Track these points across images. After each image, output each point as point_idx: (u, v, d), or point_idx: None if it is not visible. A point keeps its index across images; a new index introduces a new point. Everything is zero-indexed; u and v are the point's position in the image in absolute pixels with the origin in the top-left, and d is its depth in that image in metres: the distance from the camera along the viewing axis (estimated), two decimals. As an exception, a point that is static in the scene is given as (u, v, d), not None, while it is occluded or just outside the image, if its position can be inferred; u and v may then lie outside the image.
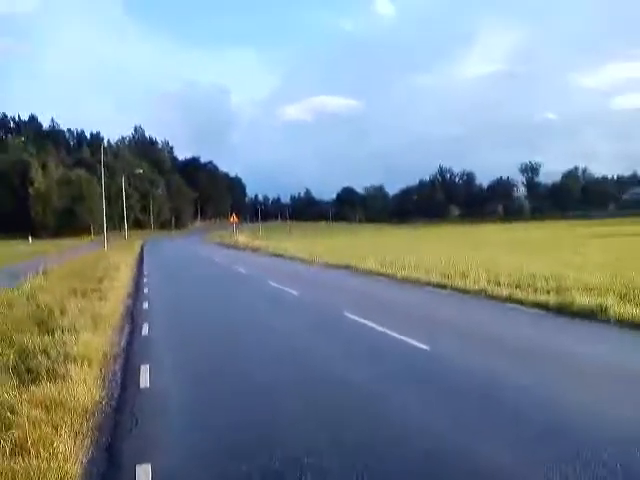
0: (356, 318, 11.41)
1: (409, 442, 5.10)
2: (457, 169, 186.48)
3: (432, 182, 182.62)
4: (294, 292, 16.38)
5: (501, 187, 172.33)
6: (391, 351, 8.77)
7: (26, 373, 7.30)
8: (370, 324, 10.70)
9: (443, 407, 6.06)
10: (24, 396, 6.02)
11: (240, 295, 17.03)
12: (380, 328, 10.27)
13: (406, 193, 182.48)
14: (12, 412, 5.50)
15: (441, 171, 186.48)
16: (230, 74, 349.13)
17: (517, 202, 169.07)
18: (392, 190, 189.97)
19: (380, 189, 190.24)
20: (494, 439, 5.07)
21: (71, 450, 4.91)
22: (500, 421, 5.55)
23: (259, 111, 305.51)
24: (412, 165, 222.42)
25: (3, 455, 4.49)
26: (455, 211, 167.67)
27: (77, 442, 5.17)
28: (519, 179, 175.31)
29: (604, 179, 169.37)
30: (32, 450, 4.61)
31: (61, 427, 5.36)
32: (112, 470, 4.81)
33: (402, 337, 9.39)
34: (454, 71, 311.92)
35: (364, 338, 9.85)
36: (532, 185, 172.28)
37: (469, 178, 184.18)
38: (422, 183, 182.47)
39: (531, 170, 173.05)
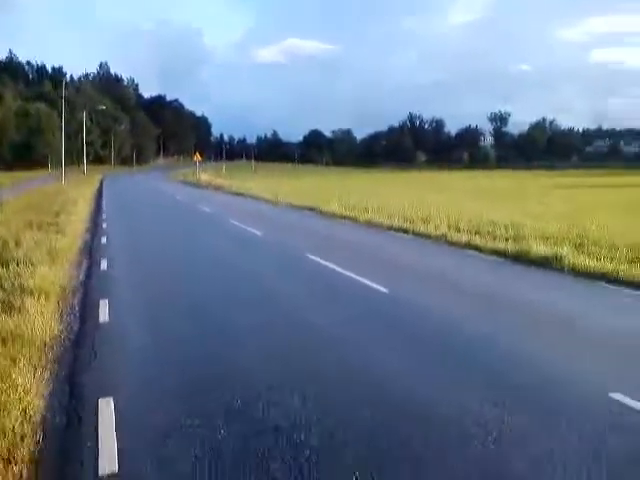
0: (318, 260, 11.47)
1: (363, 381, 5.25)
2: (427, 116, 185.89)
3: (401, 128, 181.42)
4: (257, 232, 16.32)
5: (469, 135, 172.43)
6: (350, 293, 8.90)
7: (-20, 306, 7.15)
8: (331, 266, 10.78)
9: (398, 349, 6.21)
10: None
11: (202, 234, 16.87)
12: (341, 270, 10.37)
13: (374, 138, 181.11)
14: (-32, 344, 5.39)
15: (411, 117, 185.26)
16: (204, 14, 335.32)
17: (483, 150, 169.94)
18: (361, 135, 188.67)
19: (348, 133, 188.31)
20: (445, 382, 5.26)
21: (31, 383, 4.87)
22: (453, 365, 5.71)
23: (232, 52, 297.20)
24: (383, 111, 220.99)
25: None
26: (422, 157, 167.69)
27: (36, 375, 5.12)
28: (487, 128, 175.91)
29: (570, 131, 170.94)
30: (-10, 382, 4.55)
31: (19, 360, 5.31)
32: (74, 403, 4.79)
33: (362, 279, 9.50)
34: (435, 18, 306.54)
35: (325, 280, 9.95)
36: (499, 134, 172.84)
37: (438, 125, 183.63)
38: (391, 129, 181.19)
39: (500, 120, 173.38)
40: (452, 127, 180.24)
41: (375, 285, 9.07)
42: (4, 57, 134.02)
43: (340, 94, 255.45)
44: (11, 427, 4.04)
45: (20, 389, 4.65)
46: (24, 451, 3.84)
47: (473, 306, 8.13)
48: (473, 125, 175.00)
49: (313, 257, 11.77)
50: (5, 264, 9.61)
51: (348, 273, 10.05)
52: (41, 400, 4.70)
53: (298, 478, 3.55)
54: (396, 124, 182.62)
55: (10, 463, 3.66)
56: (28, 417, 4.30)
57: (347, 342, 6.46)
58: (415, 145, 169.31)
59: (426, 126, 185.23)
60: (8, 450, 3.79)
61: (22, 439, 3.97)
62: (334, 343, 6.44)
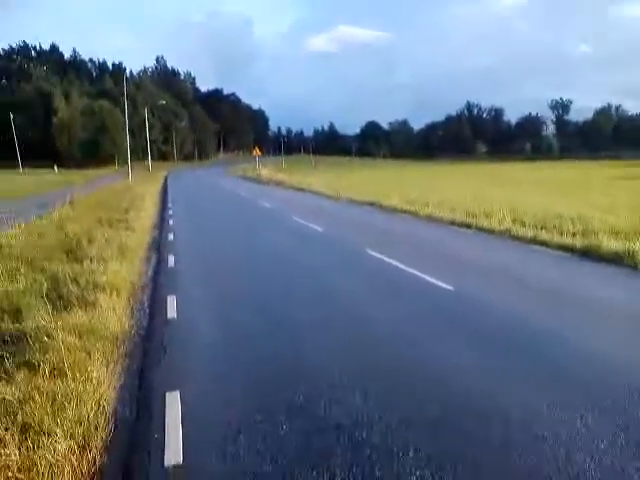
0: (379, 255, 11.44)
1: (425, 377, 5.22)
2: (485, 104, 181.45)
3: (459, 117, 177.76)
4: (318, 228, 16.42)
5: (530, 124, 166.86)
6: (413, 289, 8.82)
7: (58, 300, 7.53)
8: (393, 262, 10.72)
9: (466, 347, 6.12)
10: (58, 322, 6.22)
11: (264, 229, 17.10)
12: (403, 266, 10.30)
13: (431, 128, 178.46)
14: (48, 337, 5.72)
15: (469, 106, 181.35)
16: (253, 3, 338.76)
17: (545, 140, 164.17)
18: (417, 125, 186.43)
19: (404, 124, 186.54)
20: (516, 381, 5.16)
21: (104, 375, 5.12)
22: (523, 363, 5.60)
23: (283, 42, 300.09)
24: (440, 99, 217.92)
25: (43, 376, 4.70)
26: (482, 148, 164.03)
27: (109, 368, 5.38)
28: (549, 116, 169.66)
29: (638, 117, 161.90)
30: (69, 373, 4.81)
31: (93, 353, 5.57)
32: (143, 396, 5.01)
33: (424, 276, 9.42)
34: (488, 1, 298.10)
35: (386, 276, 9.90)
36: (562, 123, 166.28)
37: (497, 114, 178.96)
38: (449, 118, 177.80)
39: (561, 107, 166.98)
40: (512, 115, 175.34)
41: (437, 281, 8.97)
42: (69, 56, 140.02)
43: (396, 83, 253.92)
44: (87, 417, 4.28)
45: (95, 381, 4.90)
46: (98, 439, 4.08)
47: (539, 303, 7.90)
48: (534, 113, 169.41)
49: (374, 253, 11.74)
50: (79, 261, 10.08)
51: (410, 269, 9.97)
52: (113, 392, 4.94)
53: (359, 475, 3.59)
54: (453, 113, 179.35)
55: (85, 450, 3.89)
56: (102, 408, 4.53)
57: (409, 338, 6.44)
58: (474, 135, 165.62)
59: (484, 115, 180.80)
60: (84, 438, 4.02)
61: (96, 428, 4.21)
62: (396, 339, 6.42)
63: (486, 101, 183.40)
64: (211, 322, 7.36)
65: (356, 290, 8.98)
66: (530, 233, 13.62)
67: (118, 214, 18.79)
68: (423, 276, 9.43)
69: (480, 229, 15.34)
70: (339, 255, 12.35)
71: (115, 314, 7.03)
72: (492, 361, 5.65)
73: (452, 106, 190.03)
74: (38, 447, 3.70)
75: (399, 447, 3.94)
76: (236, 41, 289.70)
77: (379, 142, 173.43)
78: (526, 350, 5.93)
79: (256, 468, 3.73)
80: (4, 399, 4.25)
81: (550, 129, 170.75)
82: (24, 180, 51.03)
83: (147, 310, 7.86)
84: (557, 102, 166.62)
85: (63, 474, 3.53)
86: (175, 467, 3.80)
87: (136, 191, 31.07)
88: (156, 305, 8.11)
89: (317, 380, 5.19)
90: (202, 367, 5.75)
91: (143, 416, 4.61)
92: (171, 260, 11.67)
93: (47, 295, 7.63)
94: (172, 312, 7.67)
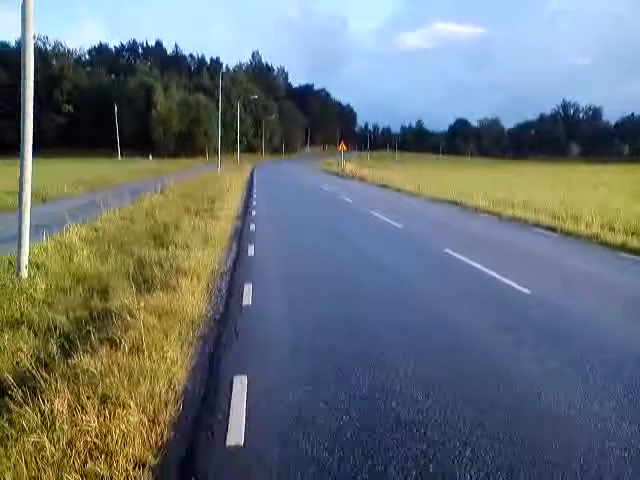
0: (457, 256, 11.25)
1: (503, 385, 5.13)
2: (584, 104, 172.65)
3: (553, 117, 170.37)
4: (398, 225, 16.35)
5: (631, 125, 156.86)
6: (492, 294, 8.54)
7: (143, 282, 7.99)
8: (472, 263, 10.51)
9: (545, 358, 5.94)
10: (141, 303, 6.61)
11: (343, 224, 17.19)
12: (482, 268, 10.07)
13: (523, 127, 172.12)
14: (131, 316, 6.09)
15: (564, 105, 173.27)
16: (348, 1, 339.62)
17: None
18: (509, 124, 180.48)
19: (495, 122, 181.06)
20: (593, 388, 4.97)
21: (177, 356, 5.41)
22: (604, 372, 5.38)
23: (376, 39, 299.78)
24: (534, 98, 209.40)
25: (123, 353, 5.03)
26: (576, 149, 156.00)
27: (183, 349, 5.68)
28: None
29: None
30: (146, 352, 5.12)
31: (170, 334, 5.89)
32: (212, 378, 5.24)
33: (505, 280, 9.14)
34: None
35: (463, 277, 9.73)
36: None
37: (595, 114, 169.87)
38: (542, 117, 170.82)
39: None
40: (611, 115, 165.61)
41: (518, 287, 8.71)
42: (171, 51, 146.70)
43: (488, 81, 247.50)
44: (158, 393, 4.55)
45: (169, 360, 5.19)
46: (166, 415, 4.33)
47: (625, 313, 7.53)
48: (637, 113, 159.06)
49: (452, 253, 11.56)
50: (165, 246, 10.63)
51: (491, 272, 9.69)
52: (185, 372, 5.21)
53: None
54: (548, 112, 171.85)
55: (154, 424, 4.14)
56: (173, 386, 4.80)
57: (502, 351, 6.33)
58: (568, 135, 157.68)
59: (581, 115, 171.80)
60: (154, 412, 4.28)
61: (166, 404, 4.46)
62: (468, 336, 6.34)
63: (584, 100, 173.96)
64: (284, 312, 7.53)
65: (432, 292, 8.88)
66: (620, 239, 12.90)
67: (205, 203, 19.55)
68: (503, 280, 9.17)
69: (566, 233, 14.70)
70: (416, 253, 12.25)
71: (194, 298, 7.37)
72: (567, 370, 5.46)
73: (547, 105, 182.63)
74: (114, 417, 3.99)
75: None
76: (330, 37, 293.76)
77: (468, 140, 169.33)
78: (604, 359, 5.67)
79: (311, 455, 3.83)
80: (88, 370, 4.59)
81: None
82: (121, 167, 53.96)
83: (224, 296, 8.17)
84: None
85: (134, 444, 3.78)
86: (236, 447, 3.97)
87: (223, 182, 32.07)
88: (233, 292, 8.41)
89: (384, 377, 5.20)
90: (271, 354, 5.92)
91: (210, 397, 4.82)
92: (251, 250, 12.02)
93: (133, 277, 8.11)
94: (247, 300, 7.92)
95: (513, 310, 7.56)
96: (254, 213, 19.78)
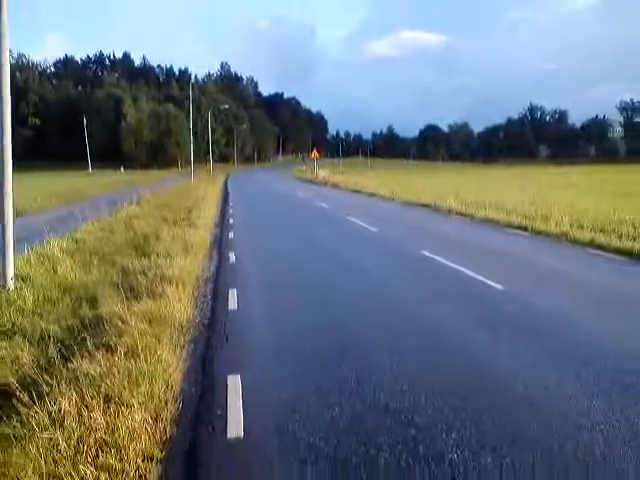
0: (433, 256, 11.60)
1: (490, 384, 5.44)
2: (549, 107, 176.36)
3: (521, 120, 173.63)
4: (373, 229, 16.69)
5: (596, 127, 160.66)
6: (468, 292, 8.84)
7: (129, 290, 8.12)
8: (448, 263, 10.86)
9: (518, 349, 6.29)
10: (130, 310, 6.77)
11: (319, 229, 17.47)
12: (458, 267, 10.42)
13: (492, 131, 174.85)
14: (122, 322, 6.26)
15: (531, 109, 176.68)
16: (315, 9, 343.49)
17: (612, 143, 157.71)
18: (478, 128, 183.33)
19: (465, 126, 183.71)
20: (559, 381, 5.31)
21: (172, 358, 5.60)
22: (570, 363, 5.73)
23: (345, 47, 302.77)
24: (501, 102, 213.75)
25: (119, 356, 5.20)
26: (544, 151, 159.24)
27: (176, 352, 5.87)
28: (617, 119, 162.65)
29: None
30: (141, 355, 5.30)
31: (162, 338, 6.07)
32: (207, 378, 5.45)
33: (479, 277, 9.49)
34: (552, 5, 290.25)
35: (439, 275, 10.09)
36: (631, 125, 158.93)
37: (561, 116, 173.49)
38: (510, 121, 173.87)
39: (631, 109, 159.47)
40: (576, 118, 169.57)
41: (489, 282, 9.10)
42: (139, 63, 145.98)
43: (456, 86, 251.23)
44: (157, 393, 4.74)
45: (164, 363, 5.37)
46: (167, 413, 4.53)
47: (594, 307, 7.96)
48: (600, 116, 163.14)
49: (428, 254, 11.89)
50: (147, 255, 10.75)
51: (467, 271, 10.02)
52: (180, 374, 5.41)
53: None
54: (515, 116, 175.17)
55: (157, 421, 4.34)
56: (170, 386, 5.00)
57: (481, 348, 6.66)
58: (536, 138, 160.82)
59: (548, 118, 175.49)
60: (155, 411, 4.48)
61: (166, 404, 4.66)
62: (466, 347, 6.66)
63: (550, 104, 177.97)
64: (269, 314, 7.80)
65: (407, 292, 9.21)
66: (588, 236, 13.44)
67: (182, 213, 19.64)
68: (479, 277, 9.53)
69: (536, 232, 15.23)
70: (391, 255, 12.60)
71: (181, 304, 7.54)
72: (538, 360, 5.80)
73: (514, 109, 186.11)
74: (119, 415, 4.17)
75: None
76: (299, 46, 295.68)
77: (438, 145, 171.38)
78: (572, 351, 6.04)
79: (308, 443, 4.08)
80: (89, 373, 4.76)
81: (618, 132, 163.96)
82: (93, 180, 53.50)
83: (210, 302, 8.37)
84: (627, 103, 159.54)
85: (141, 439, 3.97)
86: (236, 439, 4.20)
87: (198, 192, 32.14)
88: (218, 297, 8.62)
89: (369, 373, 5.49)
90: (261, 355, 6.16)
91: (207, 395, 5.03)
92: (232, 257, 12.22)
93: (119, 286, 8.25)
94: (233, 304, 8.15)
95: (488, 306, 7.91)
96: (231, 221, 19.95)
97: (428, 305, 8.10)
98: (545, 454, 3.86)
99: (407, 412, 4.52)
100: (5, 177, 8.54)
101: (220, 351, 6.22)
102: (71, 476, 3.38)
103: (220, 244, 14.43)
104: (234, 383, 5.22)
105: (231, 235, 16.02)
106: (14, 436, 3.73)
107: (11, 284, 8.29)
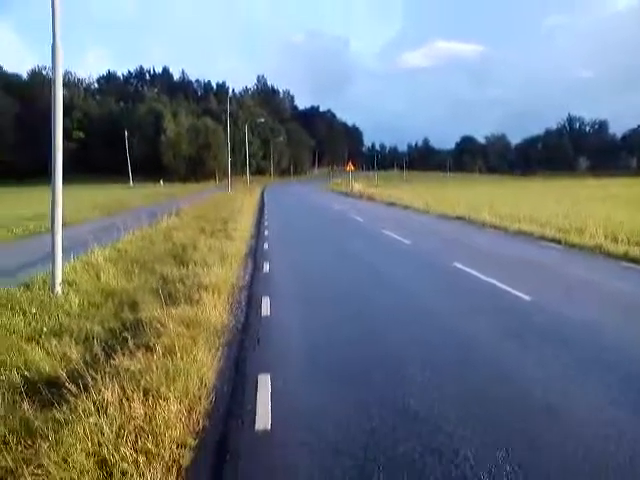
0: (465, 269, 11.72)
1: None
2: (588, 117, 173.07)
3: (559, 131, 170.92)
4: (406, 241, 16.87)
5: (638, 137, 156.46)
6: (499, 304, 8.93)
7: (167, 296, 8.54)
8: (480, 276, 10.94)
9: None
10: (169, 314, 7.18)
11: (353, 241, 17.72)
12: (490, 280, 10.49)
13: (530, 143, 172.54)
14: (161, 324, 6.67)
15: (570, 119, 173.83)
16: (349, 22, 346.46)
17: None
18: (515, 139, 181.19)
19: (502, 138, 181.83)
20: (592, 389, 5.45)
21: (206, 359, 5.95)
22: (599, 374, 5.87)
23: (379, 59, 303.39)
24: (537, 113, 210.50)
25: (158, 355, 5.58)
26: (584, 163, 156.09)
27: (211, 353, 6.22)
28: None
29: None
30: (178, 354, 5.66)
31: (198, 340, 6.43)
32: (238, 377, 5.80)
33: (511, 290, 9.55)
34: (593, 7, 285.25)
35: (469, 287, 10.23)
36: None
37: (601, 127, 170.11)
38: (548, 132, 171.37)
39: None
40: (617, 129, 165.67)
41: (520, 294, 9.22)
42: (178, 77, 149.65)
43: (493, 97, 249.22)
44: (192, 390, 5.09)
45: (199, 363, 5.72)
46: (201, 407, 4.88)
47: (626, 319, 7.98)
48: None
49: (460, 266, 11.98)
50: (186, 265, 11.22)
51: (499, 284, 10.11)
52: (214, 372, 5.77)
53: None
54: (553, 127, 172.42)
55: (191, 414, 4.69)
56: (204, 384, 5.35)
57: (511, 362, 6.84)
58: (575, 150, 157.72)
59: (587, 128, 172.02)
60: (190, 405, 4.83)
61: (199, 399, 5.02)
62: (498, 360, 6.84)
63: (589, 113, 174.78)
64: (301, 321, 8.10)
65: (437, 302, 9.40)
66: (622, 249, 13.36)
67: (218, 224, 20.20)
68: (509, 289, 9.66)
69: (570, 245, 15.17)
70: (424, 266, 12.76)
71: (216, 310, 7.92)
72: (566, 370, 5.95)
73: (551, 119, 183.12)
74: (156, 407, 4.53)
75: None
76: (333, 59, 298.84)
77: (475, 157, 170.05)
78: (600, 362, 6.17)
79: (331, 440, 4.35)
80: (129, 369, 5.15)
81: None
82: (134, 192, 55.07)
83: (244, 308, 8.75)
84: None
85: (176, 429, 4.31)
86: (264, 432, 4.51)
87: (235, 204, 32.82)
88: (252, 304, 8.99)
89: (399, 378, 5.75)
90: (291, 357, 6.47)
91: (238, 392, 5.37)
92: (266, 267, 12.60)
93: (158, 292, 8.68)
94: (266, 310, 8.51)
95: (517, 317, 8.01)
96: (267, 233, 20.39)
97: (460, 317, 8.14)
98: (567, 461, 4.00)
99: (437, 418, 4.68)
100: (56, 188, 9.13)
101: (252, 353, 6.56)
102: (113, 456, 3.74)
103: (255, 254, 14.84)
104: (264, 382, 5.54)
105: (266, 246, 16.43)
106: (64, 420, 4.12)
107: (59, 289, 8.84)
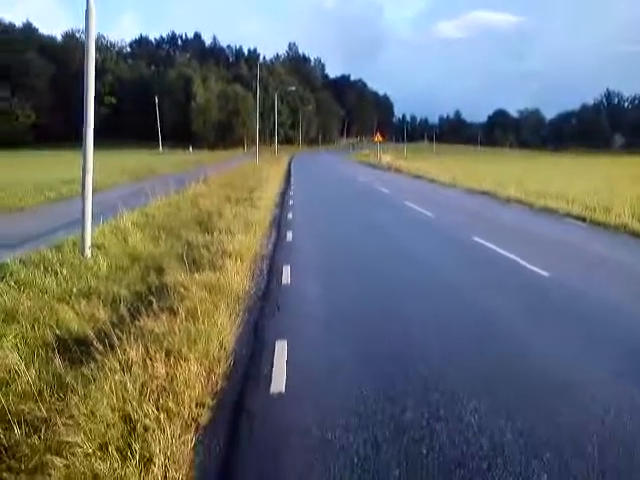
0: (485, 243, 11.77)
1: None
2: (628, 93, 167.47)
3: (596, 107, 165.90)
4: (429, 214, 16.91)
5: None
6: (517, 278, 9.05)
7: (192, 262, 8.81)
8: (499, 250, 11.02)
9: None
10: (192, 279, 7.45)
11: (376, 213, 17.80)
12: (508, 254, 10.56)
13: (564, 118, 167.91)
14: (185, 289, 6.94)
15: (608, 95, 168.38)
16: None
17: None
18: (550, 114, 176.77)
19: (536, 112, 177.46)
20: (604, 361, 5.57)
21: (227, 323, 6.20)
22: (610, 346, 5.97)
23: (412, 28, 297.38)
24: (576, 88, 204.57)
25: (181, 318, 5.84)
26: (619, 140, 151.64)
27: (231, 318, 6.47)
28: None
29: None
30: (200, 318, 5.91)
31: (219, 306, 6.67)
32: (257, 342, 6.04)
33: (529, 265, 9.65)
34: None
35: (488, 261, 10.29)
36: None
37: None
38: (585, 107, 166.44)
39: None
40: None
41: (538, 270, 9.28)
42: (209, 43, 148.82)
43: (528, 70, 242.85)
44: (212, 352, 5.34)
45: (219, 327, 5.96)
46: (219, 369, 5.13)
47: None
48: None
49: (479, 240, 12.08)
50: (210, 232, 11.49)
51: (518, 259, 10.18)
52: (233, 337, 6.02)
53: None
54: (590, 102, 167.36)
55: (210, 375, 4.95)
56: (224, 347, 5.60)
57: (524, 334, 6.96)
58: (612, 126, 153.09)
59: (626, 104, 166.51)
60: (209, 367, 5.08)
61: (219, 361, 5.27)
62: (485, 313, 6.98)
63: (630, 90, 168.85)
64: (320, 289, 8.30)
65: (461, 278, 9.50)
66: (648, 227, 13.26)
67: (244, 193, 20.43)
68: (528, 266, 9.70)
69: (595, 223, 15.05)
70: (445, 241, 12.82)
71: (238, 276, 8.16)
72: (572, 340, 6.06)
73: (589, 94, 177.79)
74: (177, 367, 4.78)
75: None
76: (365, 27, 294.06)
77: (507, 131, 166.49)
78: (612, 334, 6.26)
79: (343, 405, 4.56)
80: (153, 331, 5.42)
81: None
82: (164, 159, 55.65)
83: (265, 276, 8.99)
84: None
85: (195, 389, 4.57)
86: (278, 394, 4.75)
87: (262, 172, 32.97)
88: (273, 272, 9.22)
89: (415, 359, 5.93)
90: (308, 324, 6.69)
91: (255, 357, 5.61)
92: (289, 236, 12.82)
93: (183, 258, 8.95)
94: (286, 279, 8.73)
95: (536, 293, 8.12)
96: (291, 202, 20.57)
97: (478, 291, 8.27)
98: (576, 433, 4.12)
99: (454, 388, 4.83)
100: (87, 155, 9.40)
101: (271, 319, 6.79)
102: (137, 412, 3.99)
103: (279, 223, 15.05)
104: (281, 347, 5.77)
105: (290, 215, 16.63)
106: (92, 377, 4.40)
107: (88, 252, 9.17)
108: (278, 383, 4.93)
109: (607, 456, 3.79)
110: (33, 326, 5.74)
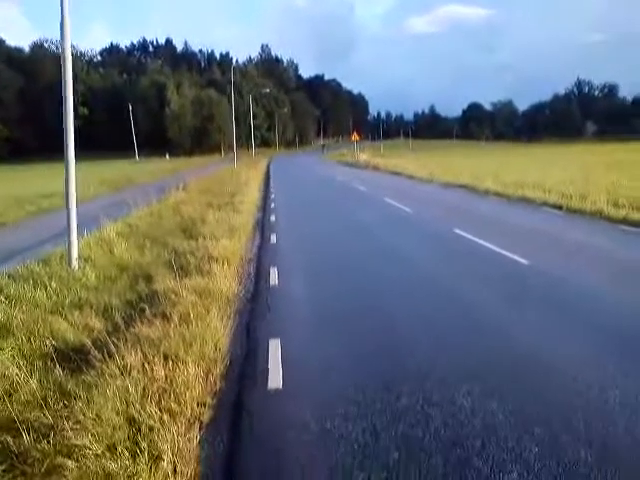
0: (465, 235, 12.06)
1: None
2: (598, 82, 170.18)
3: (567, 96, 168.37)
4: (408, 209, 17.18)
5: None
6: (497, 268, 9.33)
7: (179, 268, 8.92)
8: (479, 241, 11.31)
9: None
10: (182, 285, 7.56)
11: (356, 210, 18.08)
12: (488, 245, 10.86)
13: (537, 109, 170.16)
14: (176, 295, 7.06)
15: (579, 84, 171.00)
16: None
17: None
18: (522, 106, 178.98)
19: (509, 104, 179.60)
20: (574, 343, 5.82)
21: (220, 326, 6.33)
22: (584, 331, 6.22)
23: (383, 25, 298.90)
24: (547, 78, 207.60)
25: (174, 323, 5.96)
26: (591, 128, 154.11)
27: (223, 321, 6.60)
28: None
29: None
30: (193, 322, 6.04)
31: (211, 309, 6.80)
32: (251, 342, 6.18)
33: (508, 254, 9.95)
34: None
35: (468, 252, 10.55)
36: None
37: (611, 91, 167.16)
38: (556, 97, 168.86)
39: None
40: (629, 92, 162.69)
41: (517, 257, 9.58)
42: (181, 48, 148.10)
43: (500, 63, 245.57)
44: (208, 354, 5.48)
45: (213, 329, 6.09)
46: (217, 370, 5.26)
47: (618, 280, 8.28)
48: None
49: (460, 232, 12.37)
50: (195, 238, 11.60)
51: (496, 249, 10.49)
52: (227, 338, 6.15)
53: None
54: (562, 92, 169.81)
55: (208, 375, 5.08)
56: (219, 348, 5.73)
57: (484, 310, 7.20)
58: (584, 115, 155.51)
59: (596, 93, 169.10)
60: (207, 368, 5.21)
61: (215, 362, 5.40)
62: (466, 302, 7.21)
63: (599, 79, 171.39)
64: (307, 289, 8.48)
65: (437, 268, 9.74)
66: (622, 213, 13.62)
67: (225, 198, 20.52)
68: (508, 254, 9.97)
69: (572, 210, 15.44)
70: (425, 235, 13.07)
71: (227, 280, 8.30)
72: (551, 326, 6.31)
73: (560, 85, 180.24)
74: (176, 370, 4.91)
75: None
76: (337, 25, 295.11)
77: (482, 124, 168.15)
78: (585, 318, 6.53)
79: (339, 396, 4.72)
80: (149, 336, 5.54)
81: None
82: (141, 168, 55.36)
83: (253, 278, 9.13)
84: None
85: (195, 389, 4.70)
86: (276, 390, 4.90)
87: (240, 177, 33.03)
88: (261, 274, 9.37)
89: (402, 341, 6.12)
90: (299, 322, 6.86)
91: (251, 356, 5.75)
92: (273, 238, 12.97)
93: (170, 265, 9.06)
94: (274, 280, 8.88)
95: (515, 280, 8.38)
96: (273, 205, 20.72)
97: (457, 280, 8.56)
98: (563, 409, 4.33)
99: (441, 374, 5.04)
100: (69, 165, 9.45)
101: (263, 320, 6.93)
102: (140, 414, 4.12)
103: (262, 226, 15.20)
104: (275, 346, 5.92)
105: (272, 218, 16.77)
106: (94, 383, 4.51)
107: (76, 264, 9.22)
108: (275, 379, 5.08)
109: (592, 428, 4.01)
110: (29, 338, 5.83)
